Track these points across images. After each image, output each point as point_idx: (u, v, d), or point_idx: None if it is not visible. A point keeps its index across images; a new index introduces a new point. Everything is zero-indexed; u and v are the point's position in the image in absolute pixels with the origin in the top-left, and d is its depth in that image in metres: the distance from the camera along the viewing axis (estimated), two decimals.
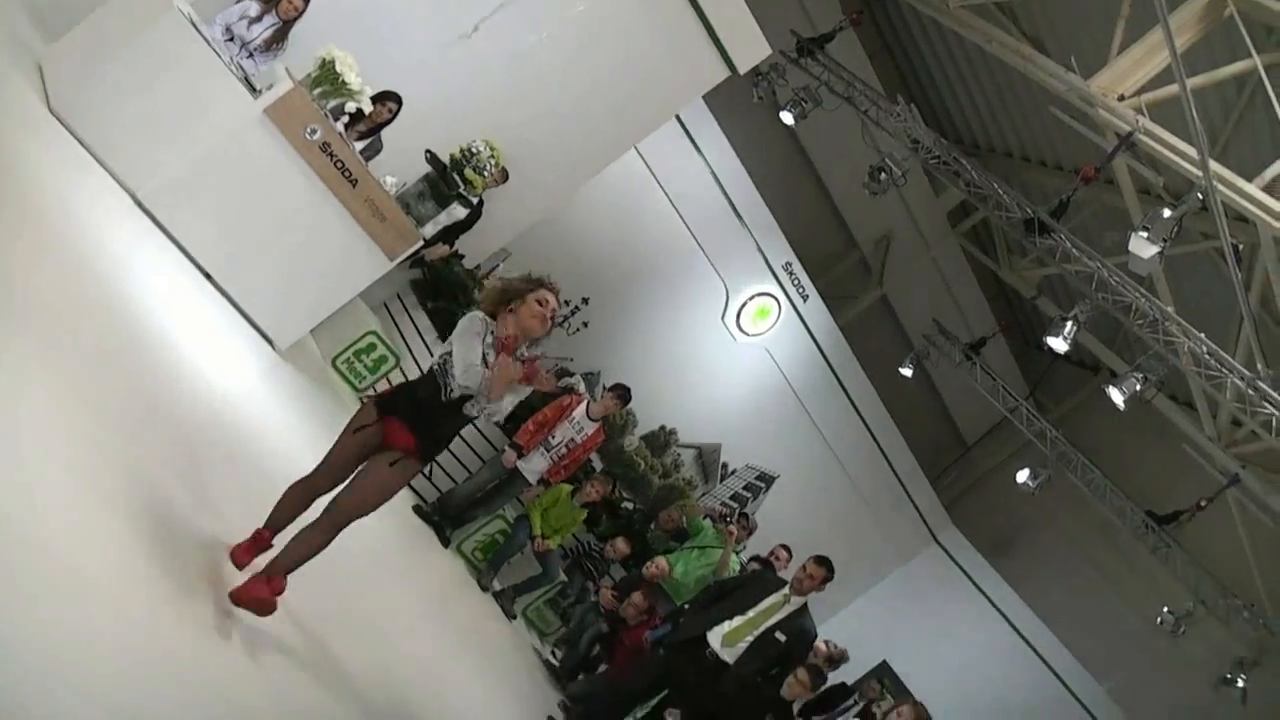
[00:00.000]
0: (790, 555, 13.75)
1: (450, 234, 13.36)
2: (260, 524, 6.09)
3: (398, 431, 6.09)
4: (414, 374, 13.33)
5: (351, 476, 6.13)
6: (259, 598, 5.76)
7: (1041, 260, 19.59)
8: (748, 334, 19.48)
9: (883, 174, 18.49)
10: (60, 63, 10.35)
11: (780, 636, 10.91)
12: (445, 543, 12.44)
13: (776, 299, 19.49)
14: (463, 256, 14.31)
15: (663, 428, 16.85)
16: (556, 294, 6.47)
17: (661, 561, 12.99)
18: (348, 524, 6.09)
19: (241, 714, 5.41)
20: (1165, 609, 19.37)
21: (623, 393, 12.72)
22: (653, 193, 17.65)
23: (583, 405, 12.61)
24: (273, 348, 11.05)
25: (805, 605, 11.03)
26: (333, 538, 6.10)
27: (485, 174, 11.93)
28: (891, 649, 21.64)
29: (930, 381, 23.90)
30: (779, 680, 10.79)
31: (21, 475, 4.70)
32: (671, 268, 18.47)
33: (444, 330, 13.56)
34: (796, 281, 19.51)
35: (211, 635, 5.42)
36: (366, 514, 6.15)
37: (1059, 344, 17.62)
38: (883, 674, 19.77)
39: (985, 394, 22.62)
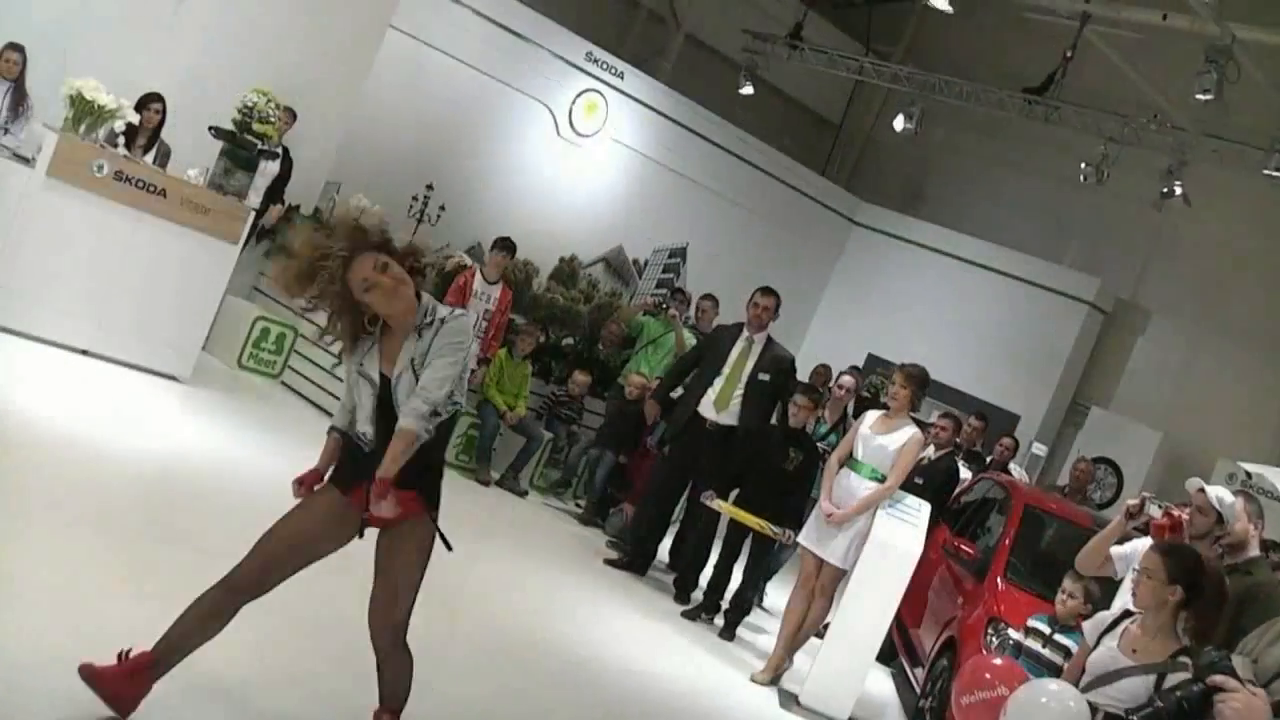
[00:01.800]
0: (715, 303, 13.80)
1: (274, 193, 13.18)
2: None
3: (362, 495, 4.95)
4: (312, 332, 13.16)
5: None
6: None
7: None
8: (587, 135, 19.26)
9: None
10: None
11: (763, 376, 10.96)
12: None
13: (596, 90, 19.24)
14: (297, 207, 14.05)
15: (563, 259, 16.69)
16: (370, 243, 4.85)
17: (634, 377, 12.98)
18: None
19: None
20: (1082, 164, 19.50)
21: (505, 243, 12.65)
22: (435, 59, 17.30)
23: (476, 275, 12.49)
24: (178, 381, 10.94)
25: (769, 338, 11.06)
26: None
27: (273, 120, 11.63)
28: (870, 339, 21.84)
29: (772, 87, 23.73)
30: (784, 416, 10.87)
31: None
32: (489, 115, 18.19)
33: None
34: (605, 65, 19.23)
35: None
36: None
37: None
38: (873, 366, 19.97)
39: (826, 70, 22.55)
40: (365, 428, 4.95)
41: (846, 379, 12.55)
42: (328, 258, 4.72)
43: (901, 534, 9.05)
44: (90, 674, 4.63)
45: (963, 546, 10.04)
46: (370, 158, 16.07)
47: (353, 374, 4.99)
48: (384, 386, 4.90)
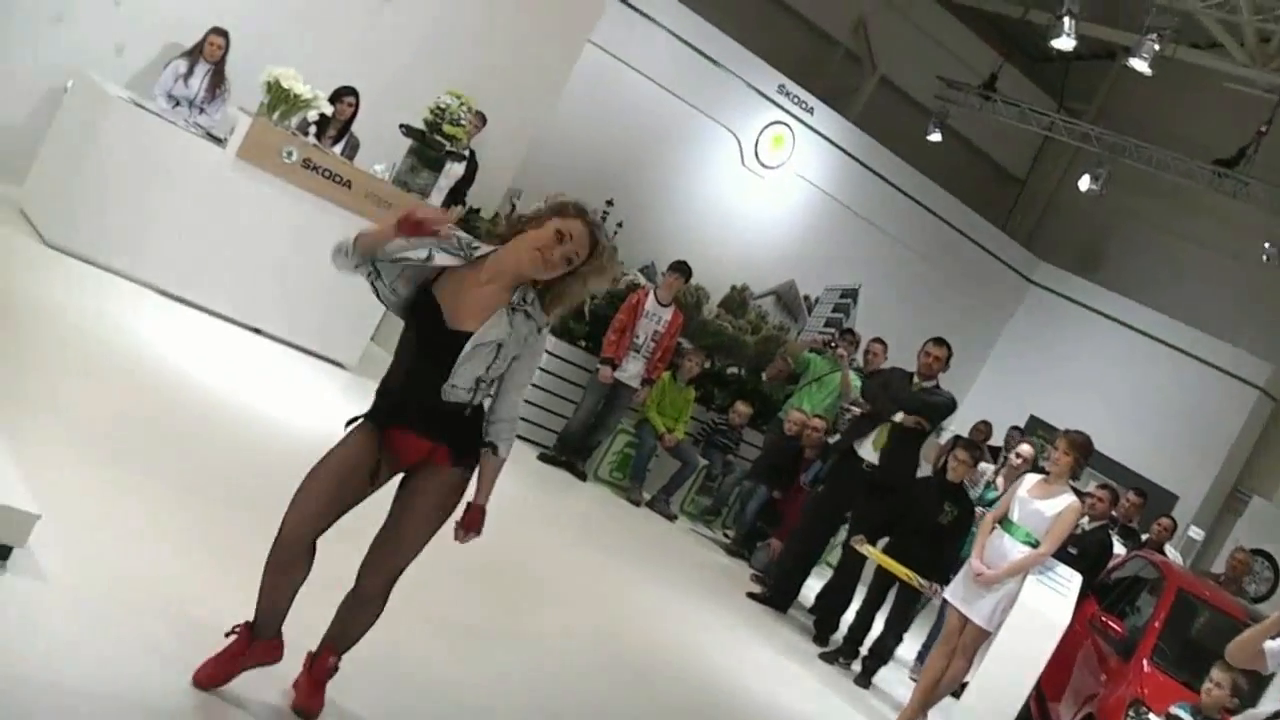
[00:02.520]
0: (885, 346, 13.69)
1: (457, 194, 13.35)
2: None
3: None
4: None
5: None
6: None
7: None
8: (771, 167, 19.24)
9: None
10: (37, 198, 10.41)
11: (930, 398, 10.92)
12: (582, 476, 12.48)
13: (785, 123, 19.23)
14: (478, 210, 14.24)
15: (734, 287, 16.71)
16: (587, 225, 4.63)
17: (794, 413, 12.99)
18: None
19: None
20: (1266, 244, 19.11)
21: (681, 268, 12.70)
22: (629, 78, 17.42)
23: (650, 295, 12.56)
24: (344, 368, 11.12)
25: (937, 384, 10.98)
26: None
27: (463, 123, 11.81)
28: (1033, 401, 21.56)
29: (960, 136, 23.56)
30: (944, 471, 10.81)
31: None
32: (677, 138, 18.25)
33: None
34: (796, 99, 19.20)
35: None
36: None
37: (1065, 43, 17.46)
38: (1034, 427, 19.72)
39: (1016, 124, 22.35)
40: (401, 290, 4.77)
41: (1025, 448, 12.29)
42: (581, 211, 4.67)
43: (1050, 602, 8.93)
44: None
45: (1110, 623, 9.90)
46: (554, 168, 16.20)
47: (422, 266, 4.70)
48: (450, 338, 4.59)
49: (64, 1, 11.79)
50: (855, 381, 13.09)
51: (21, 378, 6.78)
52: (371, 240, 4.69)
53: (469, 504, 4.88)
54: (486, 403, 4.81)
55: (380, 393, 4.83)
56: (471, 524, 4.89)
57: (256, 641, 4.71)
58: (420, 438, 4.69)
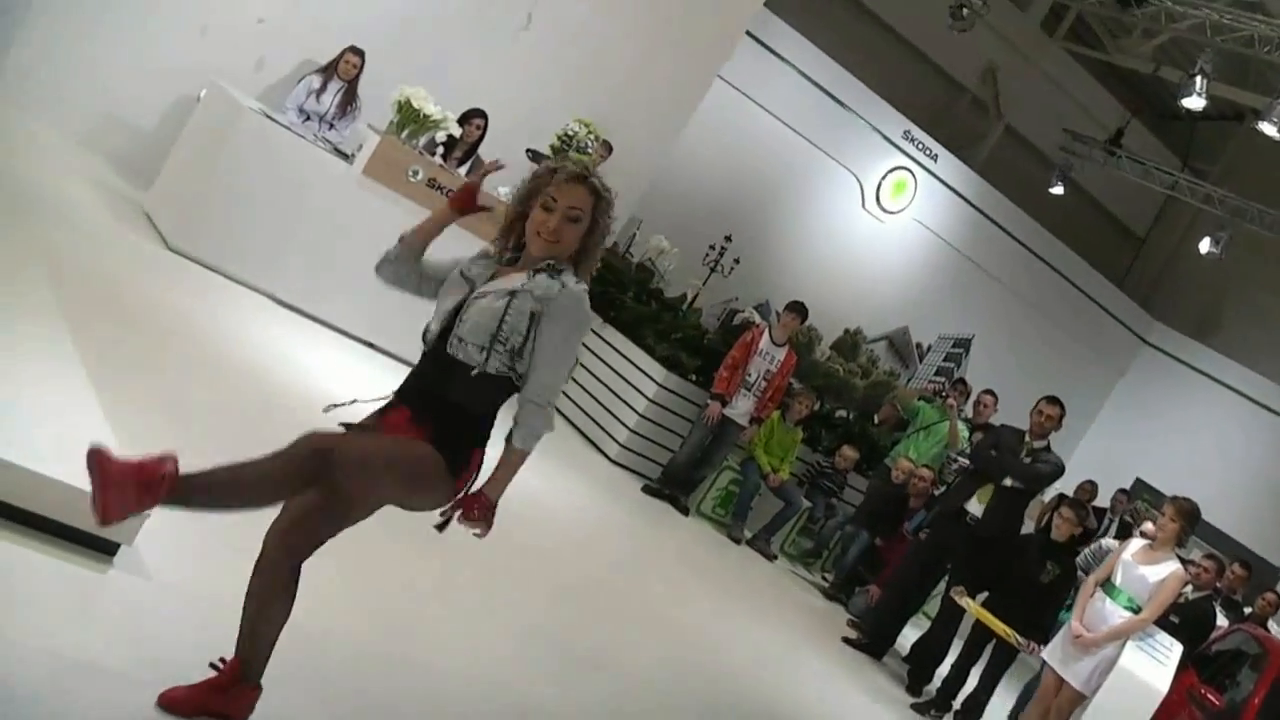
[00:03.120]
0: (996, 398, 13.60)
1: None
2: None
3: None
4: (594, 366, 13.45)
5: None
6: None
7: (1148, 31, 19.15)
8: (892, 212, 19.28)
9: (963, 9, 18.22)
10: (163, 203, 10.63)
11: (1039, 466, 10.82)
12: (684, 511, 12.52)
13: (908, 169, 19.27)
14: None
15: (847, 330, 16.71)
16: (573, 179, 4.21)
17: (902, 462, 12.96)
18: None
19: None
20: None
21: (798, 308, 12.68)
22: (754, 114, 17.56)
23: (765, 334, 12.59)
24: None
25: (1048, 445, 10.89)
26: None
27: (589, 152, 11.94)
28: (1140, 463, 21.34)
29: (1082, 190, 23.44)
30: (1048, 529, 10.74)
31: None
32: (798, 177, 18.36)
33: (604, 313, 13.62)
34: (920, 145, 19.26)
35: None
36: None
37: (1195, 102, 17.29)
38: (1139, 491, 19.52)
39: (1140, 181, 22.18)
40: (435, 324, 4.28)
41: (1149, 527, 12.07)
42: (551, 170, 4.23)
43: (1149, 669, 8.86)
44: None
45: (1209, 696, 9.80)
46: (676, 200, 16.34)
47: (454, 273, 4.38)
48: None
49: (209, 14, 12.08)
50: (963, 432, 13.05)
51: (135, 377, 6.92)
52: (424, 231, 4.56)
53: (473, 492, 4.24)
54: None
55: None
56: (470, 513, 4.19)
57: (240, 686, 4.16)
58: (410, 418, 4.17)
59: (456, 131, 11.31)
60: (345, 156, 10.81)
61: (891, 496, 12.84)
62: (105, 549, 4.73)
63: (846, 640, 11.29)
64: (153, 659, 3.62)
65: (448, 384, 4.16)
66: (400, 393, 4.28)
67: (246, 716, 4.15)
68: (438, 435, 4.11)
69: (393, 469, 4.05)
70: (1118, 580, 9.15)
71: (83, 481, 4.57)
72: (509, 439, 4.22)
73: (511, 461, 4.24)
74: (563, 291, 4.12)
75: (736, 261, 15.63)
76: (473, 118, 12.25)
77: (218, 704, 4.09)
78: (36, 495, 4.56)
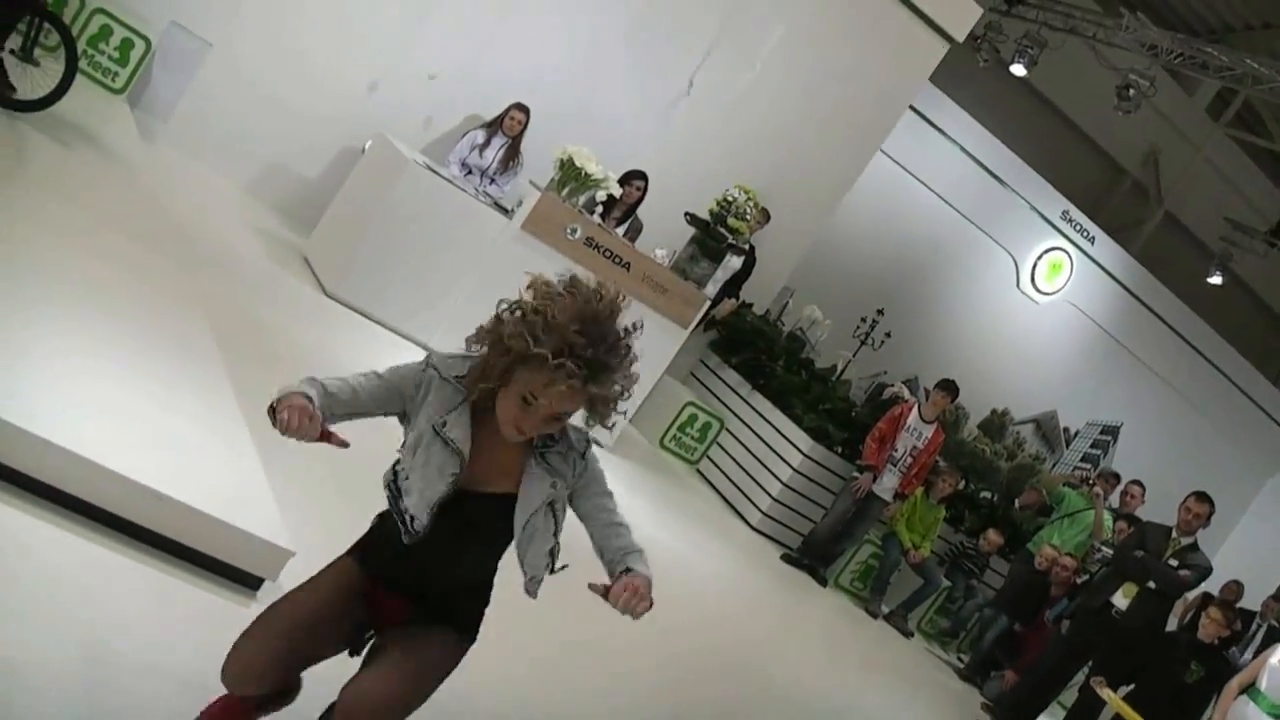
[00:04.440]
0: (1144, 489, 13.37)
1: (732, 286, 13.54)
2: None
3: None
4: (741, 432, 13.47)
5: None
6: None
7: None
8: (1046, 293, 19.12)
9: (1130, 90, 18.07)
10: (323, 250, 10.85)
11: (1184, 573, 10.63)
12: (823, 582, 12.49)
13: (1064, 250, 19.12)
14: (750, 305, 14.43)
15: (994, 410, 16.61)
16: (587, 396, 3.38)
17: (1046, 549, 12.79)
18: None
19: None
20: None
21: (949, 387, 12.63)
22: (911, 187, 17.55)
23: (914, 410, 12.55)
24: (601, 446, 11.30)
25: (1195, 542, 10.70)
26: None
27: (748, 218, 12.00)
28: None
29: (1241, 282, 23.07)
30: (1193, 627, 10.55)
31: None
32: (953, 253, 18.30)
33: (754, 380, 13.66)
34: (1078, 226, 19.10)
35: None
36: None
37: None
38: None
39: None
40: (421, 513, 3.45)
41: None
42: (543, 316, 3.46)
43: None
44: None
45: None
46: (830, 270, 16.35)
47: (426, 429, 3.53)
48: (497, 506, 3.51)
49: (381, 69, 12.34)
50: (1108, 522, 12.88)
51: None
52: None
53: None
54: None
55: (375, 529, 3.77)
56: (634, 589, 3.37)
57: None
58: (410, 606, 3.63)
59: (617, 192, 11.39)
60: (505, 211, 10.95)
61: (1034, 583, 12.68)
62: (250, 583, 4.88)
63: None
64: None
65: (457, 565, 3.60)
66: (385, 566, 3.63)
67: None
68: (453, 616, 3.63)
69: (423, 691, 3.49)
70: (1262, 685, 8.93)
71: (231, 516, 4.76)
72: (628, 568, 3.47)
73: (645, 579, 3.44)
74: (588, 460, 3.60)
75: (888, 335, 15.58)
76: (633, 179, 12.38)
77: None
78: (192, 530, 4.71)
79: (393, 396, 3.65)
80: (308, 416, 3.39)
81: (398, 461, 3.62)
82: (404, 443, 3.60)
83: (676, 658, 7.76)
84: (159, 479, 4.71)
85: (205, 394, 5.86)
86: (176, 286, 7.17)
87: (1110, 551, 12.01)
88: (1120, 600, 10.79)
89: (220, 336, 6.78)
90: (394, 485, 3.58)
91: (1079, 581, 12.35)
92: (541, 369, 3.29)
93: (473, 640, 3.65)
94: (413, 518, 3.47)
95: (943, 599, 13.42)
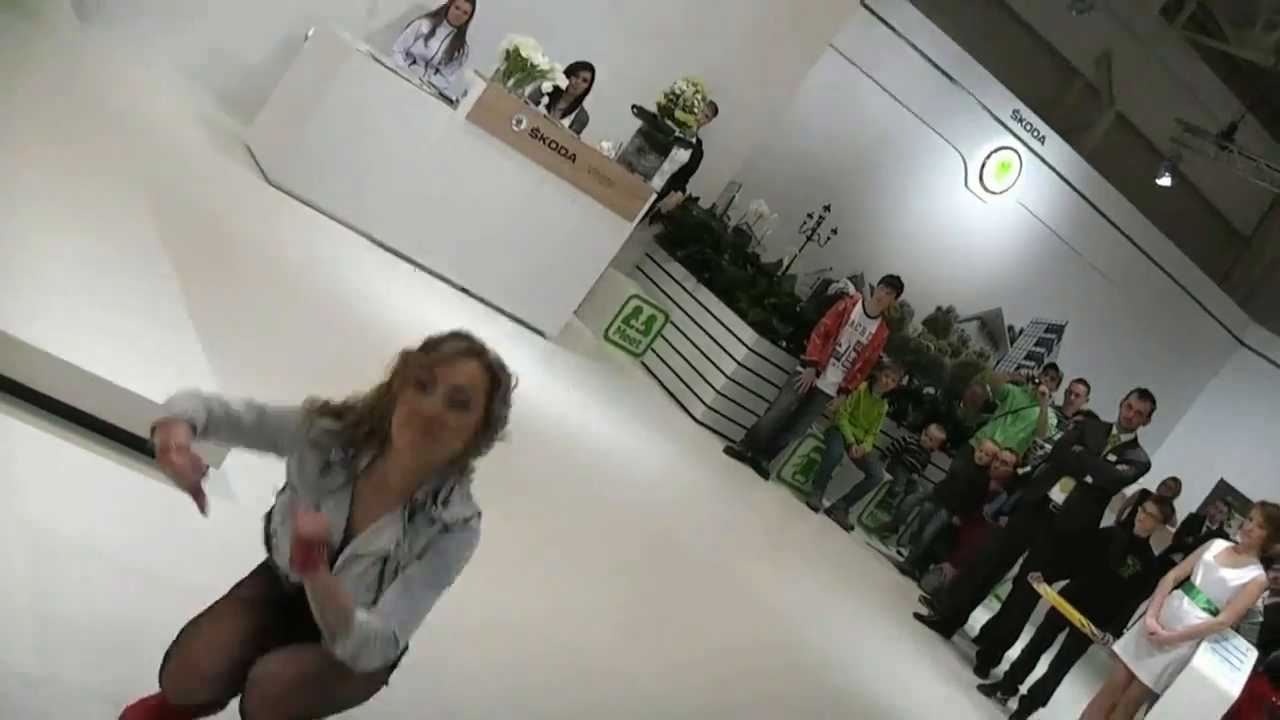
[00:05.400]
0: (1088, 388, 13.43)
1: (678, 180, 13.50)
2: None
3: None
4: (686, 325, 13.48)
5: None
6: None
7: (1271, 23, 18.83)
8: (995, 192, 19.10)
9: None
10: (265, 138, 10.73)
11: (1121, 468, 10.72)
12: (765, 475, 12.56)
13: (1014, 149, 19.07)
14: (696, 199, 14.39)
15: (939, 308, 16.66)
16: (482, 363, 3.26)
17: (987, 444, 12.85)
18: None
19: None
20: None
21: (894, 282, 12.66)
22: (862, 84, 17.44)
23: (859, 305, 12.56)
24: (544, 336, 11.31)
25: (1135, 439, 10.80)
26: None
27: (695, 111, 11.93)
28: (1224, 464, 21.12)
29: (1190, 184, 23.10)
30: (1130, 523, 10.66)
31: None
32: (902, 150, 18.21)
33: (699, 274, 13.64)
34: (1029, 126, 19.04)
35: None
36: None
37: None
38: (1223, 492, 19.31)
39: (1250, 178, 21.83)
40: (291, 573, 3.17)
41: None
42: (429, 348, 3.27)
43: (1222, 674, 8.77)
44: None
45: None
46: (777, 166, 16.27)
47: (306, 459, 3.33)
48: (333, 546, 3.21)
49: None
50: (1052, 420, 12.96)
51: (230, 306, 7.03)
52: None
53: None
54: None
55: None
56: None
57: None
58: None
59: (563, 83, 11.27)
60: (450, 102, 10.83)
61: (974, 478, 12.78)
62: None
63: (918, 616, 11.31)
64: (232, 576, 3.67)
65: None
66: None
67: None
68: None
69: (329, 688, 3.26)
70: (1197, 580, 9.07)
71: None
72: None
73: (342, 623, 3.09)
74: (449, 536, 3.25)
75: (834, 231, 15.55)
76: (580, 70, 12.25)
77: None
78: (133, 416, 4.65)
79: (267, 441, 3.38)
80: (190, 465, 3.11)
81: (274, 505, 3.42)
82: (283, 485, 3.39)
83: (622, 551, 7.82)
84: (103, 367, 4.66)
85: (148, 282, 5.80)
86: (114, 173, 7.07)
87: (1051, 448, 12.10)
88: (1058, 495, 10.90)
89: (162, 225, 6.69)
90: (266, 531, 3.42)
91: (1019, 475, 12.44)
92: (425, 360, 3.21)
93: (384, 683, 3.39)
94: (285, 574, 3.29)
95: (884, 493, 13.53)
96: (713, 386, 12.83)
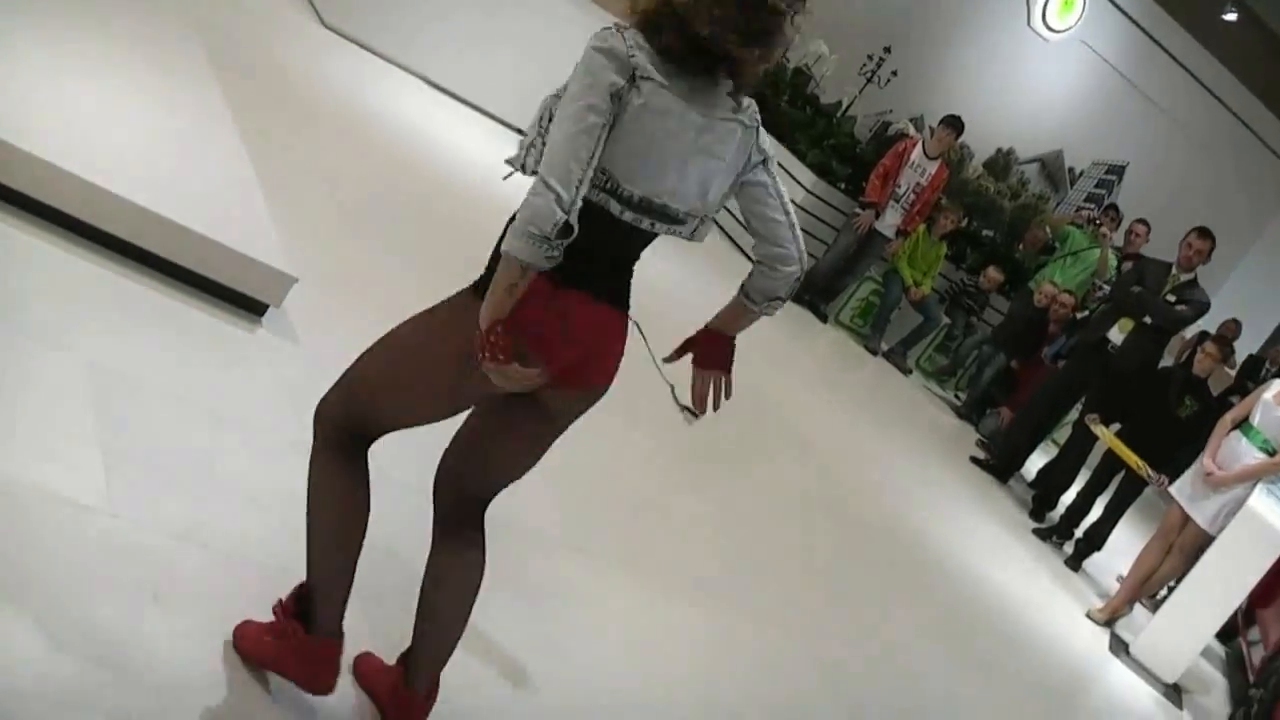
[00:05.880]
0: (1148, 228, 13.30)
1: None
2: None
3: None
4: None
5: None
6: None
7: None
8: (1058, 30, 18.75)
9: None
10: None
11: (1180, 308, 10.65)
12: (823, 318, 12.58)
13: None
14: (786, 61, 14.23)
15: (999, 150, 16.49)
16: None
17: (1046, 286, 12.76)
18: None
19: None
20: None
21: (954, 122, 12.53)
22: None
23: (918, 146, 12.46)
24: None
25: (1195, 278, 10.71)
26: None
27: None
28: None
29: (1258, 18, 22.57)
30: (1189, 364, 10.62)
31: None
32: None
33: (789, 143, 13.42)
34: None
35: None
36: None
37: None
38: None
39: None
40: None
41: None
42: None
43: (1278, 515, 8.81)
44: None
45: None
46: (834, 6, 16.06)
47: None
48: None
49: None
50: (1112, 261, 12.89)
51: (288, 148, 7.05)
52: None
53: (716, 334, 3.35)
54: None
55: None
56: (716, 360, 3.35)
57: (310, 640, 3.19)
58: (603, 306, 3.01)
59: None
60: None
61: (1032, 320, 12.74)
62: (255, 309, 4.92)
63: (974, 460, 11.36)
64: (298, 420, 3.73)
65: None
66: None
67: (329, 685, 3.24)
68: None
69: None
70: (1255, 420, 9.02)
71: (233, 241, 4.76)
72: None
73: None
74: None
75: (894, 74, 15.38)
76: None
77: (288, 667, 3.22)
78: (192, 253, 4.74)
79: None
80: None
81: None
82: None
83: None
84: (158, 202, 4.72)
85: (202, 119, 5.84)
86: (166, 12, 7.08)
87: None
88: (1116, 336, 10.89)
89: (215, 63, 6.72)
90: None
91: (1078, 318, 12.40)
92: None
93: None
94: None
95: (942, 336, 13.53)
96: None
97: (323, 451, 3.11)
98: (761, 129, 3.14)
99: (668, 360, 3.29)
